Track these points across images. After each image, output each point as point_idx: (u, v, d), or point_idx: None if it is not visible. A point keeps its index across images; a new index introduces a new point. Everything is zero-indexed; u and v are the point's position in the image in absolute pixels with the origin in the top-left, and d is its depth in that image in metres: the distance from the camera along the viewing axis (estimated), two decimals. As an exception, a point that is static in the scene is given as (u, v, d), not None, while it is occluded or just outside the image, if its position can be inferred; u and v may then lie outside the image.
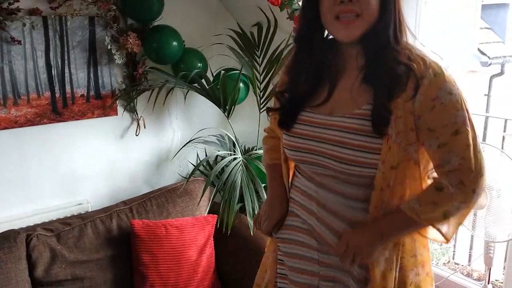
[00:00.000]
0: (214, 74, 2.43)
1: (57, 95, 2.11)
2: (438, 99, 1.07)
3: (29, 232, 1.91)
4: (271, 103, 1.39)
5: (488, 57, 5.66)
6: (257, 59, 2.38)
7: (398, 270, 1.17)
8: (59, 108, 2.12)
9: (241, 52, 2.38)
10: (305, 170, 1.26)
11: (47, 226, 1.98)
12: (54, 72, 2.09)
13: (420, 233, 1.20)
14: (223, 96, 2.27)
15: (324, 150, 1.16)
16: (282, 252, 1.33)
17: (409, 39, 1.15)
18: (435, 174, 1.16)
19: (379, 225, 1.14)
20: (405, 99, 1.08)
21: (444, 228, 1.15)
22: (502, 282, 2.15)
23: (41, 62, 2.05)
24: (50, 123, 2.11)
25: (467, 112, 1.09)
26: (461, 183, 1.09)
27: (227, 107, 2.31)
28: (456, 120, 1.08)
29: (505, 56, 5.67)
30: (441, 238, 1.19)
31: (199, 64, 2.37)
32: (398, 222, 1.14)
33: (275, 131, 1.36)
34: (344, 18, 1.10)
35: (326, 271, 1.24)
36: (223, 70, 2.37)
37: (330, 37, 1.20)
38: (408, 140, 1.09)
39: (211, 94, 2.30)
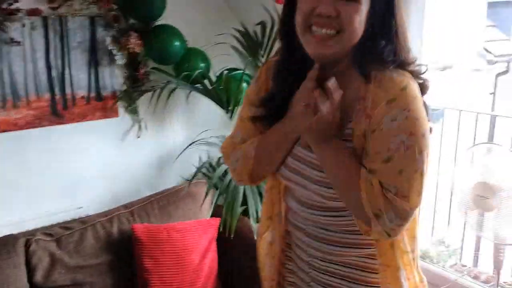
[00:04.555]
0: (217, 74, 2.39)
1: (57, 96, 2.08)
2: (382, 124, 0.95)
3: (29, 237, 1.88)
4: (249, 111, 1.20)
5: (494, 55, 5.62)
6: (261, 58, 2.34)
7: None
8: (59, 110, 2.09)
9: (244, 52, 2.34)
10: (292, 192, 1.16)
11: (46, 231, 1.95)
12: (54, 73, 2.06)
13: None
14: (226, 96, 2.24)
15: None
16: None
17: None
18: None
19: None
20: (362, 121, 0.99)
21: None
22: (510, 285, 2.12)
23: (41, 64, 2.02)
24: (50, 125, 2.08)
25: (418, 136, 0.94)
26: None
27: (230, 108, 2.27)
28: (390, 147, 0.94)
29: (510, 54, 5.63)
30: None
31: (202, 64, 2.33)
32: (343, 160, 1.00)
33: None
34: (317, 32, 0.94)
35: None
36: (226, 70, 2.33)
37: None
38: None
39: (214, 95, 2.27)
